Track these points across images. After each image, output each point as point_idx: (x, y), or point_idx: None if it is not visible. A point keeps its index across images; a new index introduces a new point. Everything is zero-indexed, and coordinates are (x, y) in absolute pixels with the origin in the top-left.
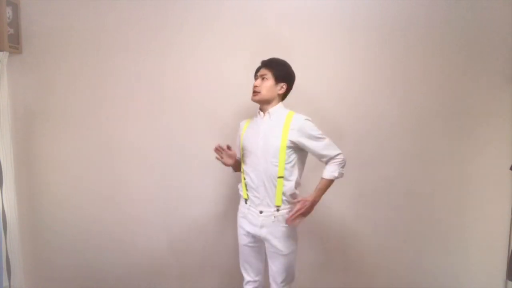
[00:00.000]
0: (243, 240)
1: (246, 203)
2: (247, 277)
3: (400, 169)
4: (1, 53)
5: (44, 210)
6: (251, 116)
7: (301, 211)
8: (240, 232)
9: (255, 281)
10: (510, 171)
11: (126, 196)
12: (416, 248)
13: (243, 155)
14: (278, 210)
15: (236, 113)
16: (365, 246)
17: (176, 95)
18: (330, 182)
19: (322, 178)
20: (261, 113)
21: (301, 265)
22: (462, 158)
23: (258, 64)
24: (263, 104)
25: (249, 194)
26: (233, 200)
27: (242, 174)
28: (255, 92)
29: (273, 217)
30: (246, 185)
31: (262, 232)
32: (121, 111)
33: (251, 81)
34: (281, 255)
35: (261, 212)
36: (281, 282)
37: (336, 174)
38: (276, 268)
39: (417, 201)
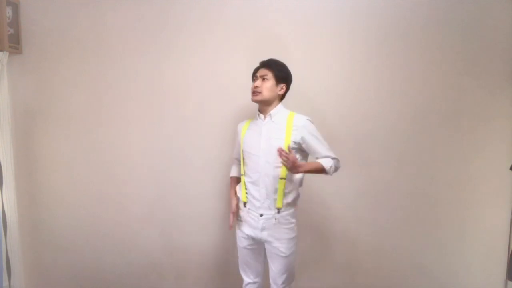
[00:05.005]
0: (242, 242)
1: (245, 206)
2: (246, 279)
3: (400, 169)
4: (1, 53)
5: (44, 210)
6: (249, 117)
7: (292, 160)
8: (239, 235)
9: (254, 283)
10: (510, 171)
11: (126, 196)
12: (416, 248)
13: (243, 158)
14: (279, 212)
15: (235, 114)
16: (365, 246)
17: (176, 95)
18: (322, 169)
19: (317, 160)
20: (261, 115)
21: (302, 265)
22: (462, 158)
23: (257, 65)
24: (264, 105)
25: (249, 197)
26: None
27: (242, 177)
28: (255, 93)
29: (274, 220)
30: (246, 188)
31: (263, 235)
32: (120, 111)
33: (250, 83)
34: (283, 257)
35: (261, 215)
36: (282, 283)
37: (330, 168)
38: (277, 269)
39: (417, 201)
